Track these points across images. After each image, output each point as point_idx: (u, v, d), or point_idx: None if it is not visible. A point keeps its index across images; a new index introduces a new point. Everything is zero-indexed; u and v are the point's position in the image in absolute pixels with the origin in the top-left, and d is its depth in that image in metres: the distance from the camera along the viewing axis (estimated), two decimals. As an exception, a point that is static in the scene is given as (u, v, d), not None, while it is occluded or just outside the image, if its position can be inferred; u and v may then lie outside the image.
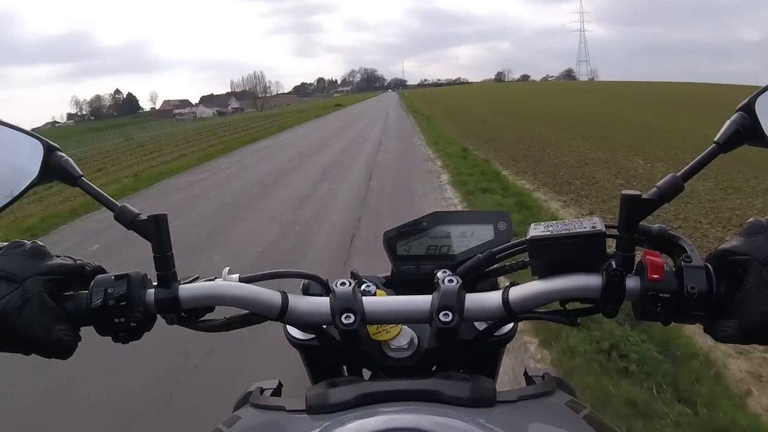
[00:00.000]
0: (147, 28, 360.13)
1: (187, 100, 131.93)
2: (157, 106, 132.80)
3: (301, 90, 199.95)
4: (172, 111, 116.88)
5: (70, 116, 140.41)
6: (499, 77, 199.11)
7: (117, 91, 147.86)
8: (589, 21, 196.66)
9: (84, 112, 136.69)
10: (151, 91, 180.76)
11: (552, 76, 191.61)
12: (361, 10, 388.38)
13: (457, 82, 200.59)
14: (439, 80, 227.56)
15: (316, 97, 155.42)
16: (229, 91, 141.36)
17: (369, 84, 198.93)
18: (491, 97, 43.35)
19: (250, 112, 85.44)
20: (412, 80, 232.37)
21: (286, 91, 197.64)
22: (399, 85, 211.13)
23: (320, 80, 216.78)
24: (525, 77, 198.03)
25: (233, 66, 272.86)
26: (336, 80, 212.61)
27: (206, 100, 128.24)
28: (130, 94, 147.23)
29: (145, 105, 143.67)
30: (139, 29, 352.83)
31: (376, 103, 51.89)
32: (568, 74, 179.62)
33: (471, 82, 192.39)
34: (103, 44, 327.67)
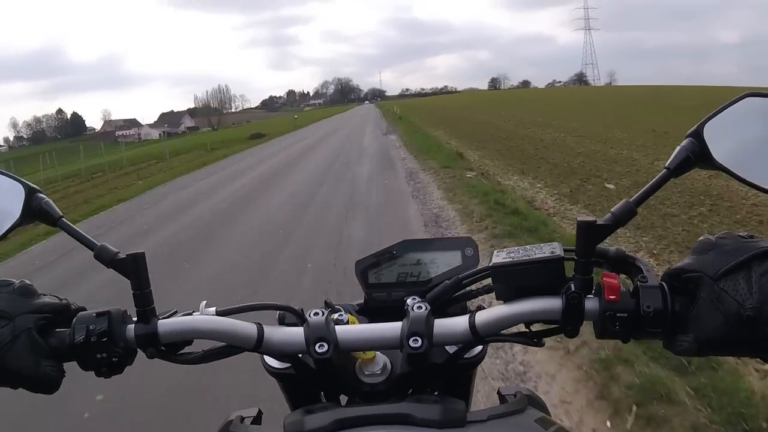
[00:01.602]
0: (121, 44, 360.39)
1: (135, 119, 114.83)
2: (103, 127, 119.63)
3: (269, 104, 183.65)
4: (114, 133, 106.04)
5: (5, 140, 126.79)
6: (495, 84, 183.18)
7: (59, 111, 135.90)
8: (596, 17, 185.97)
9: (23, 135, 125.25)
10: (103, 109, 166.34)
11: (560, 81, 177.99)
12: (337, 21, 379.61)
13: (444, 91, 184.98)
14: (423, 89, 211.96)
15: (285, 112, 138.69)
16: (193, 106, 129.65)
17: (343, 96, 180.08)
18: (505, 107, 34.77)
19: (204, 132, 78.90)
20: (391, 90, 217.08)
21: (253, 106, 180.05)
22: (377, 95, 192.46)
23: (290, 93, 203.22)
24: (525, 83, 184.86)
25: (210, 80, 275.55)
26: (308, 93, 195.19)
27: (163, 118, 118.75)
28: (75, 114, 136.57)
29: (97, 124, 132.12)
30: (113, 44, 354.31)
31: (341, 123, 36.83)
32: (579, 78, 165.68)
33: (459, 91, 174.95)
34: (77, 60, 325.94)
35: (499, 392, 0.59)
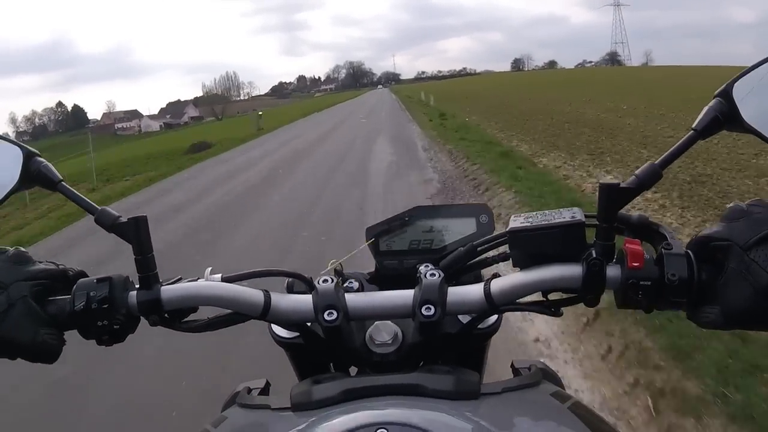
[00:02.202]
0: (130, 33, 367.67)
1: (136, 110, 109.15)
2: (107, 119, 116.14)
3: (279, 90, 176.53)
4: (113, 125, 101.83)
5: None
6: (518, 65, 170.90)
7: (60, 104, 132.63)
8: None
9: (25, 129, 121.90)
10: (107, 100, 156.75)
11: (591, 62, 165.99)
12: (347, 4, 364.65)
13: (462, 74, 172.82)
14: (440, 71, 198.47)
15: (295, 98, 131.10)
16: (201, 95, 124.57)
17: (355, 80, 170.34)
18: (544, 89, 29.07)
19: (208, 122, 75.16)
20: (405, 74, 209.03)
21: (262, 93, 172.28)
22: (391, 79, 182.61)
23: (301, 78, 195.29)
24: (552, 64, 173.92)
25: (221, 68, 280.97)
26: (319, 78, 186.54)
27: (166, 109, 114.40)
28: (76, 107, 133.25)
29: (101, 116, 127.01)
30: (122, 34, 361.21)
31: (347, 115, 27.39)
32: (612, 58, 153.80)
33: (478, 73, 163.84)
34: (87, 51, 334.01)
35: (512, 365, 0.59)
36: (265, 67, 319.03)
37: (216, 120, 75.59)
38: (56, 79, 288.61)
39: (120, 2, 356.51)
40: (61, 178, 0.55)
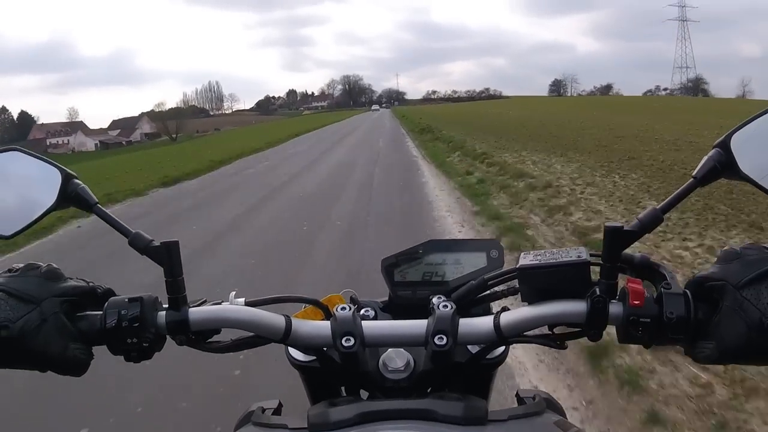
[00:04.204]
0: (131, 39, 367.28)
1: (81, 122, 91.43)
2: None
3: (264, 106, 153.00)
4: (45, 140, 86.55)
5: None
6: (558, 89, 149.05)
7: (3, 109, 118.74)
8: (694, 6, 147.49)
9: None
10: (69, 107, 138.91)
11: (666, 89, 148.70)
12: (352, 22, 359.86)
13: (483, 96, 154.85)
14: (455, 92, 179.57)
15: (281, 115, 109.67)
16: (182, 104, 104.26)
17: (351, 98, 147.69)
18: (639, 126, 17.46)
19: (161, 141, 66.01)
20: (410, 94, 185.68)
21: (247, 107, 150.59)
22: (393, 98, 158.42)
23: (291, 93, 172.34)
24: (607, 88, 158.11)
25: (222, 78, 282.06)
26: (312, 93, 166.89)
27: (117, 123, 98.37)
28: (23, 113, 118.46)
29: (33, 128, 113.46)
30: (124, 39, 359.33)
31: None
32: (696, 86, 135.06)
33: (505, 96, 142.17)
34: (88, 54, 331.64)
35: (517, 394, 0.63)
36: (269, 82, 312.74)
37: (171, 140, 66.14)
38: (54, 80, 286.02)
39: (123, 8, 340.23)
40: (97, 200, 0.61)
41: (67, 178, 0.60)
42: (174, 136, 71.00)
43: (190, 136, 67.25)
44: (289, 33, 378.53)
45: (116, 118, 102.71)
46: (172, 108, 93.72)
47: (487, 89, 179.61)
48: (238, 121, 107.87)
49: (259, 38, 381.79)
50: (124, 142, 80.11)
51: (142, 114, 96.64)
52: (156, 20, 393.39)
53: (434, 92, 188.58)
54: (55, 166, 0.61)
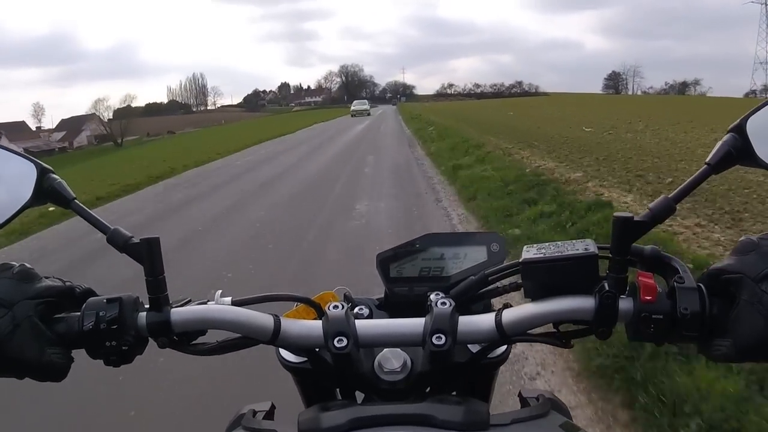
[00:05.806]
0: (134, 31, 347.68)
1: (23, 122, 75.30)
2: (51, 125, 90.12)
3: (252, 101, 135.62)
4: None
5: None
6: (616, 85, 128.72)
7: None
8: None
9: None
10: (34, 102, 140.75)
11: (756, 89, 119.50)
12: (357, 17, 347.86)
13: (514, 93, 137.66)
14: (477, 85, 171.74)
15: (269, 112, 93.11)
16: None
17: (349, 91, 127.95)
18: None
19: (106, 147, 55.73)
20: (420, 89, 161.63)
21: (234, 102, 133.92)
22: (400, 93, 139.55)
23: (283, 86, 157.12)
24: (683, 86, 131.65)
25: (226, 73, 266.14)
26: (308, 87, 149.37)
27: (64, 123, 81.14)
28: None
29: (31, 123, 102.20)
30: (126, 33, 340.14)
31: None
32: None
33: (543, 92, 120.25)
34: (90, 48, 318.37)
35: (520, 395, 0.64)
36: (273, 77, 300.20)
37: (115, 145, 56.06)
38: (57, 73, 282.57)
39: (126, 1, 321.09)
40: (74, 196, 0.61)
41: (43, 173, 0.59)
42: (119, 140, 60.97)
43: (140, 139, 60.39)
44: (294, 27, 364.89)
45: (65, 117, 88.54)
46: (120, 108, 79.33)
47: (519, 83, 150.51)
48: (215, 118, 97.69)
49: (264, 32, 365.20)
50: (57, 149, 64.54)
51: (92, 113, 76.66)
52: (158, 12, 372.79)
53: (451, 85, 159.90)
54: (30, 159, 0.60)
